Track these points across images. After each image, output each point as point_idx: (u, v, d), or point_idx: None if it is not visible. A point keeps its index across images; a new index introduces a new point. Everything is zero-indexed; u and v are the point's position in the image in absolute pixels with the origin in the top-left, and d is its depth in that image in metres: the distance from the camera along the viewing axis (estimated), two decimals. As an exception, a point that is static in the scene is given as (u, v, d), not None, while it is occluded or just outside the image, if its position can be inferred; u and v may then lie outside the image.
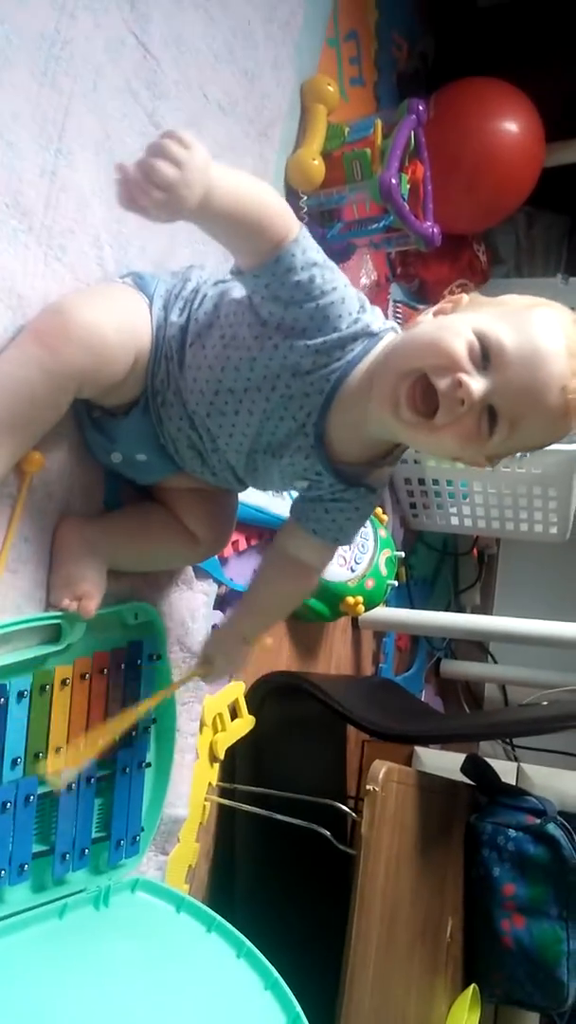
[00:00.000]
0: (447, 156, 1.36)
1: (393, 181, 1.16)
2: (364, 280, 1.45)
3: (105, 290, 0.83)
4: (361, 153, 1.19)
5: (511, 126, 1.48)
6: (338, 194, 1.21)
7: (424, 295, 1.62)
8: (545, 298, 0.75)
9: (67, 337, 0.74)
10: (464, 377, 0.69)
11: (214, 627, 0.97)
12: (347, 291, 0.75)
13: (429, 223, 1.25)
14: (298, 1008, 0.82)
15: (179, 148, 0.65)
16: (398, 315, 1.55)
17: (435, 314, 0.76)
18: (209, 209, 0.68)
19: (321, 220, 1.26)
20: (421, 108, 1.21)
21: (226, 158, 1.04)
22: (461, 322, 0.72)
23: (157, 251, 0.93)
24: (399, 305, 1.57)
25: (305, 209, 1.21)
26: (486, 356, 0.70)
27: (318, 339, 0.74)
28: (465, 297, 0.75)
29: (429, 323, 0.75)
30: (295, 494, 0.88)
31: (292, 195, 1.19)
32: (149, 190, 0.65)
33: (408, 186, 1.20)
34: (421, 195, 1.24)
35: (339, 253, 1.31)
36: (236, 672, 0.91)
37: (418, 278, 1.59)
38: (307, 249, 0.73)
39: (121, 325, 0.77)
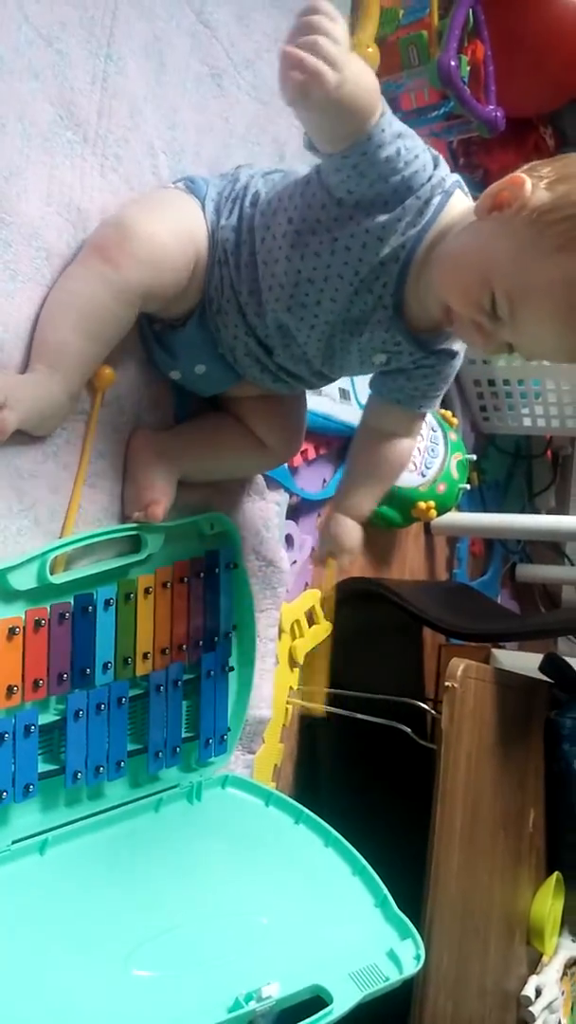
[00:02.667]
0: (508, 33, 1.28)
1: (452, 63, 1.11)
2: (425, 174, 1.39)
3: (160, 198, 0.83)
4: (417, 36, 1.13)
5: (577, -6, 1.38)
6: (395, 82, 1.16)
7: (489, 185, 1.55)
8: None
9: (128, 250, 0.74)
10: (482, 332, 0.74)
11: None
12: (425, 154, 0.74)
13: (492, 106, 1.19)
14: (385, 891, 0.85)
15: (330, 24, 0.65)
16: (462, 209, 1.50)
17: (492, 208, 0.72)
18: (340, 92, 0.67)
19: (378, 112, 1.21)
20: (480, -19, 1.14)
21: (278, 51, 1.00)
22: (479, 274, 0.71)
23: (211, 155, 0.91)
24: (463, 198, 1.51)
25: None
26: (496, 314, 0.72)
27: (398, 208, 0.74)
28: (527, 184, 0.71)
29: (469, 246, 0.73)
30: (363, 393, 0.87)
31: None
32: (317, 64, 0.64)
33: (468, 68, 1.15)
34: (482, 77, 1.18)
35: (398, 146, 1.26)
36: (351, 553, 0.91)
37: (482, 167, 1.53)
38: (392, 121, 0.72)
39: (179, 233, 0.77)
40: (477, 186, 1.55)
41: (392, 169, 0.72)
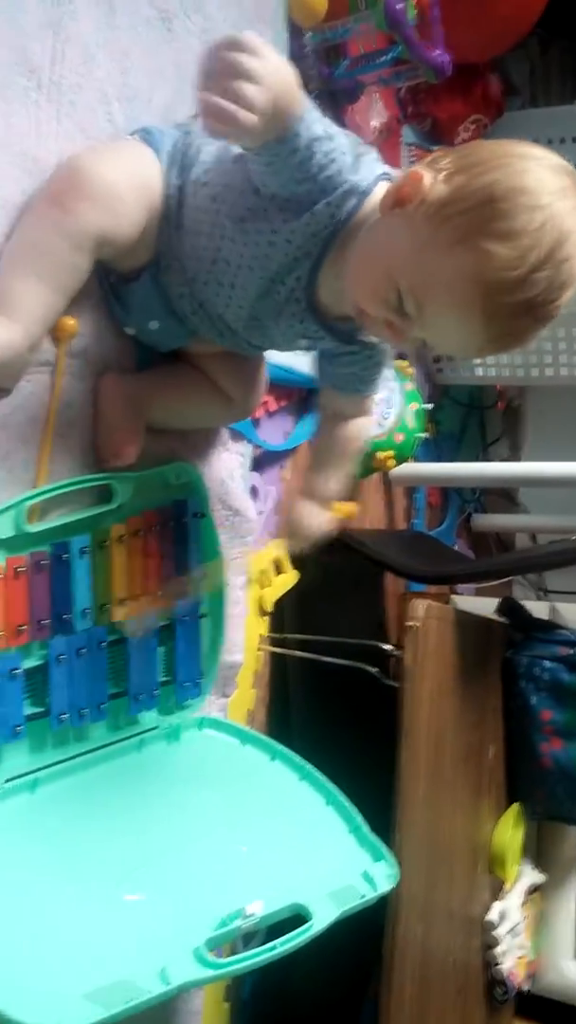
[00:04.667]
0: (454, -22, 1.28)
1: (399, 6, 1.11)
2: (374, 123, 1.40)
3: (116, 146, 0.82)
4: (364, -21, 1.13)
5: None
6: (343, 27, 1.16)
7: (438, 134, 1.56)
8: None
9: (81, 195, 0.73)
10: (393, 329, 0.74)
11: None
12: (343, 157, 0.73)
13: (438, 51, 1.20)
14: (359, 818, 0.89)
15: (253, 61, 0.63)
16: (412, 158, 1.51)
17: (395, 204, 0.72)
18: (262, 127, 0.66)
19: (327, 58, 1.21)
20: None
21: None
22: (383, 271, 0.71)
23: (163, 102, 0.90)
24: (412, 148, 1.52)
25: (310, 47, 1.16)
26: (404, 310, 0.72)
27: (306, 214, 0.74)
28: (426, 179, 0.70)
29: (373, 244, 0.73)
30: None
31: (296, 31, 1.14)
32: (236, 113, 0.63)
33: (415, 11, 1.15)
34: (429, 20, 1.19)
35: (347, 92, 1.26)
36: (316, 535, 0.90)
37: (430, 116, 1.53)
38: (311, 125, 0.71)
39: (133, 180, 0.77)
40: (426, 136, 1.56)
41: (305, 173, 0.72)
